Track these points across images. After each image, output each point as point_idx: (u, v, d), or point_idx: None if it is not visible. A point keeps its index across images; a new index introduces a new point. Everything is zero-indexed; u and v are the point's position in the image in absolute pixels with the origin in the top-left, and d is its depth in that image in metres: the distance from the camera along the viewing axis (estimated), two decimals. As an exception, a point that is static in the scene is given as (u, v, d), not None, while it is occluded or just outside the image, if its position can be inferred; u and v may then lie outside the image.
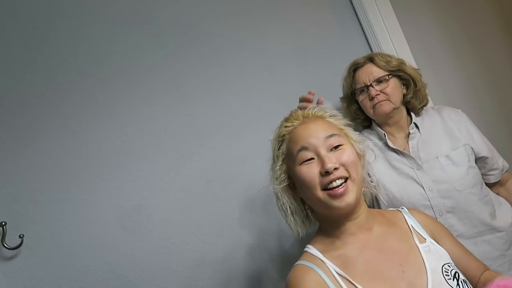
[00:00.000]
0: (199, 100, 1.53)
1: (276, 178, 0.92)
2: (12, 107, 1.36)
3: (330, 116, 0.93)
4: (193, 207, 1.45)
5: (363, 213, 0.89)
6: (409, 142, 1.35)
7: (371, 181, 0.97)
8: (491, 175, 1.37)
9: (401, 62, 1.39)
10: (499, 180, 1.39)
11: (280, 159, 0.92)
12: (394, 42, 1.74)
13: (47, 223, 1.32)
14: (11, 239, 1.26)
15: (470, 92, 1.88)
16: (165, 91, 1.50)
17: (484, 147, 1.35)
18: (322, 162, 0.84)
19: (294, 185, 0.91)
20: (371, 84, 1.33)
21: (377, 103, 1.33)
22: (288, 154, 0.90)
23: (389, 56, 1.40)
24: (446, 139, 1.34)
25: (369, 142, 1.37)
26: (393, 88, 1.35)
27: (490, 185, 1.37)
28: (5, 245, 1.24)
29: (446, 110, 1.42)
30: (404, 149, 1.34)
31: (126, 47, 1.49)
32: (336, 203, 0.83)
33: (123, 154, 1.42)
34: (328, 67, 1.69)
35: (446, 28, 1.90)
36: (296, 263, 0.87)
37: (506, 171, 1.41)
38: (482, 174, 1.35)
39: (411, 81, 1.39)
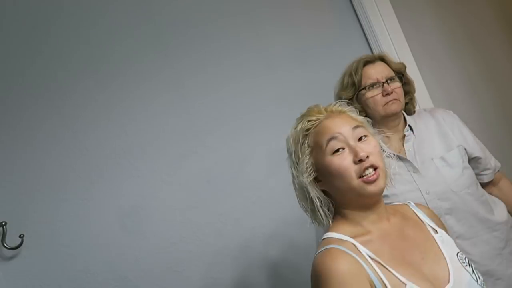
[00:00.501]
0: (198, 99, 1.53)
1: (304, 171, 0.91)
2: (12, 107, 1.36)
3: (350, 111, 0.95)
4: (193, 207, 1.45)
5: (382, 203, 0.92)
6: (404, 145, 1.35)
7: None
8: (484, 175, 1.38)
9: (405, 66, 1.41)
10: (492, 180, 1.40)
11: (307, 152, 0.91)
12: (394, 42, 1.74)
13: (47, 223, 1.32)
14: (11, 239, 1.26)
15: (470, 92, 1.88)
16: (164, 90, 1.50)
17: (477, 148, 1.35)
18: (354, 151, 0.86)
19: (317, 178, 0.92)
20: (386, 81, 1.33)
21: (391, 100, 1.32)
22: (316, 146, 0.90)
23: (392, 59, 1.42)
24: (440, 141, 1.34)
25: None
26: (401, 89, 1.37)
27: (483, 185, 1.38)
28: (5, 245, 1.25)
29: (438, 111, 1.43)
30: (399, 152, 1.34)
31: (126, 47, 1.49)
32: (371, 188, 0.85)
33: (123, 154, 1.42)
34: (328, 68, 1.69)
35: (446, 27, 1.90)
36: (326, 247, 0.83)
37: (498, 170, 1.42)
38: (475, 175, 1.35)
39: (410, 85, 1.41)
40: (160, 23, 1.55)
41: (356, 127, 0.89)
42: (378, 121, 1.39)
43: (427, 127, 1.38)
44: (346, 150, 0.87)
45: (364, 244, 0.84)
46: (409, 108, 1.42)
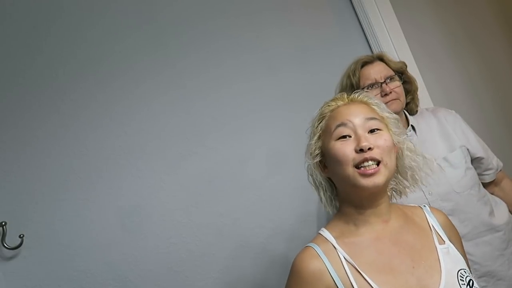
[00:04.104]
0: (199, 100, 1.53)
1: (311, 153, 0.92)
2: (12, 107, 1.35)
3: (374, 104, 0.93)
4: (193, 207, 1.45)
5: (384, 203, 0.88)
6: None
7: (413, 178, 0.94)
8: (486, 174, 1.37)
9: (406, 65, 1.39)
10: (494, 180, 1.39)
11: (317, 135, 0.92)
12: (394, 42, 1.74)
13: (47, 223, 1.32)
14: (11, 239, 1.26)
15: (470, 92, 1.88)
16: (165, 90, 1.50)
17: (479, 148, 1.35)
18: (358, 139, 0.84)
19: (324, 164, 0.92)
20: (384, 81, 1.32)
21: (389, 100, 1.31)
22: (326, 130, 0.90)
23: (392, 58, 1.41)
24: (442, 141, 1.34)
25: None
26: (401, 88, 1.35)
27: (484, 185, 1.38)
28: (5, 245, 1.24)
29: (441, 111, 1.42)
30: None
31: (126, 47, 1.49)
32: (364, 181, 0.82)
33: (123, 154, 1.42)
34: (328, 68, 1.69)
35: (446, 27, 1.90)
36: (308, 244, 0.87)
37: (500, 170, 1.41)
38: (478, 174, 1.35)
39: (411, 84, 1.39)
40: (160, 23, 1.55)
41: (371, 118, 0.87)
42: None
43: (429, 127, 1.37)
44: (352, 138, 0.85)
45: (345, 245, 0.84)
46: (411, 107, 1.41)
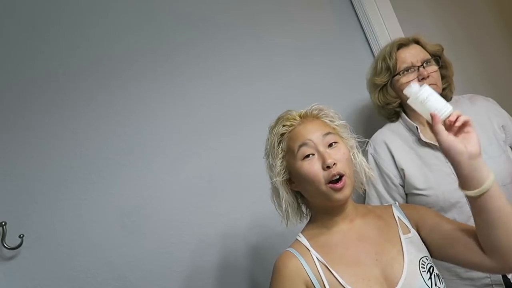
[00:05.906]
0: (199, 99, 1.53)
1: (278, 173, 0.98)
2: (12, 107, 1.35)
3: (324, 116, 1.00)
4: (193, 207, 1.45)
5: (350, 206, 0.99)
6: None
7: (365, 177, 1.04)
8: None
9: (442, 48, 1.33)
10: None
11: (280, 155, 0.98)
12: (394, 42, 1.74)
13: (47, 223, 1.32)
14: (11, 239, 1.26)
15: (468, 92, 1.88)
16: (165, 90, 1.51)
17: None
18: (322, 157, 0.92)
19: (290, 180, 1.00)
20: (422, 65, 1.27)
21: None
22: (289, 150, 0.97)
23: (428, 41, 1.36)
24: (481, 132, 1.26)
25: (375, 148, 1.36)
26: (438, 73, 1.30)
27: None
28: (5, 245, 1.24)
29: (479, 99, 1.36)
30: (436, 141, 1.29)
31: (126, 47, 1.49)
32: (337, 195, 0.91)
33: (123, 154, 1.42)
34: (328, 67, 1.69)
35: (445, 28, 1.90)
36: (286, 249, 0.97)
37: None
38: None
39: (448, 69, 1.34)
40: (160, 23, 1.55)
41: (327, 133, 0.95)
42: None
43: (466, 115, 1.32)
44: (316, 156, 0.93)
45: (318, 247, 0.95)
46: (446, 93, 1.35)
